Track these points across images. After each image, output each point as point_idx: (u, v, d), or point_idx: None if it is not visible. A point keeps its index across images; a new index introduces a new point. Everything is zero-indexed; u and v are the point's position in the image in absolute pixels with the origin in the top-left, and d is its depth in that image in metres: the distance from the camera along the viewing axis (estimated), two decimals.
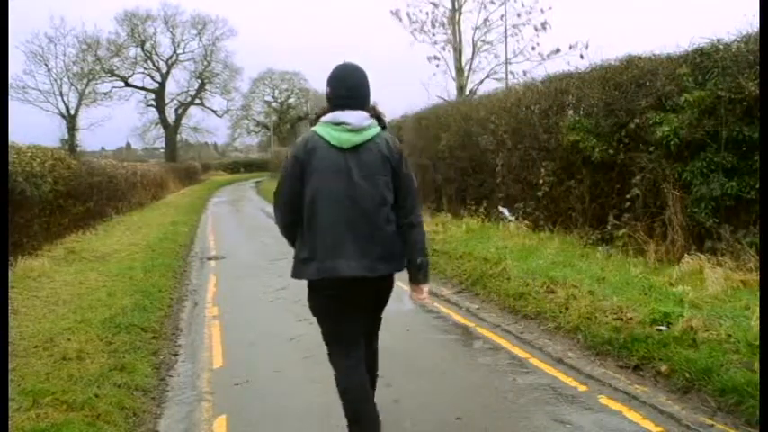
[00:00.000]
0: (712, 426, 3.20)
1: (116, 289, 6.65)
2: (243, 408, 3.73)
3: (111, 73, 43.25)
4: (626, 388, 3.73)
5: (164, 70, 46.59)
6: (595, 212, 7.68)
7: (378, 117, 2.84)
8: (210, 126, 67.84)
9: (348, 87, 2.82)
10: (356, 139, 2.74)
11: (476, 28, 20.29)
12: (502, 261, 6.81)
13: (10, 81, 32.02)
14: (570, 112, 8.44)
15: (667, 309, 4.56)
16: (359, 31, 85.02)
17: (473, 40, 20.39)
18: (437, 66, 20.00)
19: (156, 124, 48.11)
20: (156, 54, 45.82)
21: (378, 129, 2.82)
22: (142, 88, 46.09)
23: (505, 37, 19.13)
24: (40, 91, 38.87)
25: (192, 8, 72.62)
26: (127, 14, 43.45)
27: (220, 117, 51.37)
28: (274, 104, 56.60)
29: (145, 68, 45.88)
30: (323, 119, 2.81)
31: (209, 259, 9.69)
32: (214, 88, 49.32)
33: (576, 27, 41.37)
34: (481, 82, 20.69)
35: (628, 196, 6.93)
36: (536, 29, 18.83)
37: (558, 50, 18.20)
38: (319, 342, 2.98)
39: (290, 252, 2.92)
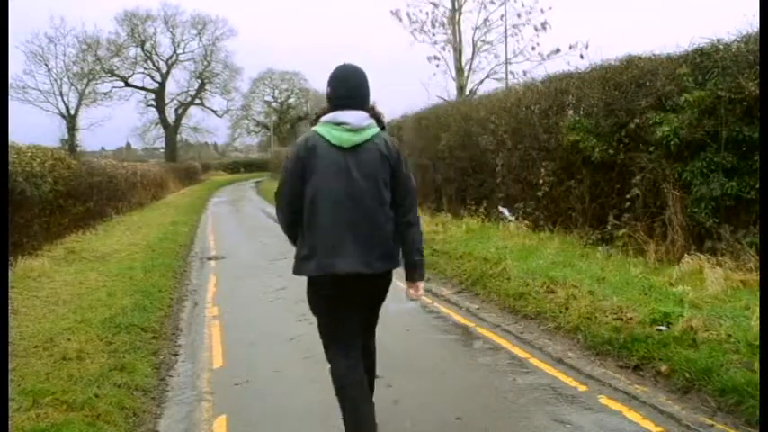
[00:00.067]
0: (712, 426, 3.20)
1: (116, 289, 6.65)
2: (243, 408, 3.73)
3: (111, 73, 43.26)
4: (626, 388, 3.73)
5: (164, 70, 46.64)
6: (595, 212, 7.68)
7: (377, 117, 2.89)
8: (210, 126, 68.00)
9: (348, 88, 2.87)
10: (356, 138, 2.78)
11: (476, 28, 20.33)
12: (502, 261, 6.81)
13: (10, 81, 32.05)
14: (570, 112, 8.44)
15: (667, 309, 4.56)
16: (359, 31, 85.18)
17: (473, 40, 20.43)
18: (437, 66, 20.05)
19: (156, 124, 48.13)
20: (156, 54, 45.88)
21: (377, 129, 2.86)
22: (142, 88, 46.13)
23: (505, 37, 19.17)
24: (40, 91, 38.94)
25: (192, 8, 72.79)
26: (127, 14, 43.53)
27: (220, 117, 51.48)
28: (274, 104, 56.62)
29: (145, 68, 45.96)
30: (323, 118, 2.85)
31: (209, 259, 9.70)
32: (214, 88, 49.41)
33: (576, 27, 41.41)
34: (481, 82, 20.73)
35: (628, 196, 6.94)
36: (536, 29, 18.87)
37: (558, 50, 18.23)
38: (320, 342, 2.98)
39: (290, 252, 2.94)
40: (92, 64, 41.12)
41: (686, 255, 5.92)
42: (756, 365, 3.39)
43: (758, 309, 3.96)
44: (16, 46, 39.15)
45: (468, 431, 3.29)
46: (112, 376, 4.01)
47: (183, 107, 48.63)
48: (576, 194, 7.95)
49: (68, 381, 3.84)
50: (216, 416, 3.61)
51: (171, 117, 48.10)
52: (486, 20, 20.02)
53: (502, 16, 19.22)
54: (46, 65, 39.27)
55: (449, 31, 20.01)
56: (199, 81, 48.30)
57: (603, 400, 3.58)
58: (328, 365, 2.95)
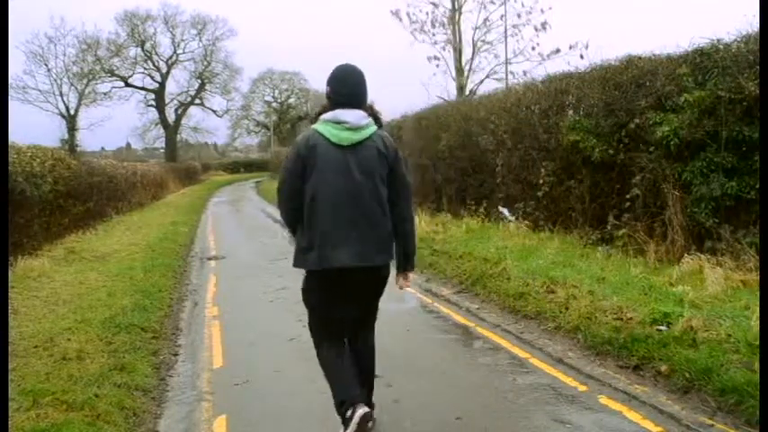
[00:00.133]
0: (712, 426, 3.20)
1: (116, 289, 6.65)
2: (243, 408, 3.73)
3: (111, 73, 43.26)
4: (626, 388, 3.73)
5: (164, 70, 46.64)
6: (595, 212, 7.67)
7: (374, 116, 2.98)
8: (210, 126, 67.93)
9: (348, 87, 2.96)
10: (355, 137, 2.88)
11: (476, 28, 20.34)
12: (502, 261, 6.81)
13: (10, 81, 32.05)
14: (570, 112, 8.44)
15: (667, 309, 4.56)
16: (359, 31, 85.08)
17: (473, 40, 20.44)
18: (437, 66, 20.06)
19: (156, 124, 48.12)
20: (156, 54, 45.89)
21: (374, 127, 2.95)
22: (142, 88, 46.13)
23: (505, 37, 19.17)
24: (40, 91, 38.97)
25: (192, 8, 72.77)
26: (127, 14, 43.53)
27: (220, 117, 51.47)
28: (274, 104, 56.61)
29: (145, 68, 45.96)
30: (323, 117, 2.95)
31: (209, 259, 9.69)
32: (214, 88, 49.41)
33: (576, 27, 41.40)
34: (481, 82, 20.74)
35: (628, 196, 6.93)
36: (536, 29, 18.89)
37: (558, 50, 18.25)
38: None
39: (289, 252, 3.01)
40: (92, 64, 41.17)
41: (686, 255, 5.92)
42: (756, 365, 3.39)
43: (758, 309, 3.96)
44: (16, 46, 39.24)
45: (468, 431, 3.29)
46: (112, 376, 4.01)
47: (183, 107, 48.64)
48: (576, 194, 7.95)
49: (68, 381, 3.84)
50: (216, 416, 3.61)
51: (171, 117, 48.14)
52: (486, 20, 20.06)
53: (502, 16, 19.26)
54: (46, 65, 39.36)
55: (449, 31, 20.03)
56: (199, 81, 48.32)
57: (603, 400, 3.58)
58: None
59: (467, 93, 19.79)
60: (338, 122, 2.88)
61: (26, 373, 3.94)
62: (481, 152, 10.54)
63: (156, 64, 46.20)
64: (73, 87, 40.38)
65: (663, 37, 49.26)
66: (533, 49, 18.98)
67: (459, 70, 20.23)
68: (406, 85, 62.02)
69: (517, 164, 9.45)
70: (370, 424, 3.16)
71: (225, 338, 5.22)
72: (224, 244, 11.52)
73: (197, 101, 48.96)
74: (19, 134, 34.69)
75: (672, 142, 6.27)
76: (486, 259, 7.13)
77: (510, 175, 9.68)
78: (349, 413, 2.84)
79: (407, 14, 19.96)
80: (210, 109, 49.92)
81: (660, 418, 3.31)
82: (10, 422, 3.09)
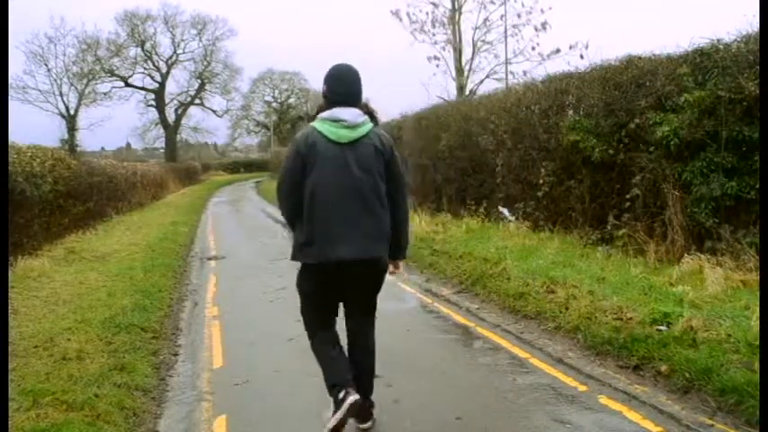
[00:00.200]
0: (712, 426, 3.20)
1: (116, 289, 6.65)
2: (243, 408, 3.73)
3: (111, 73, 43.27)
4: (626, 388, 3.73)
5: (164, 70, 46.66)
6: (595, 212, 7.67)
7: (370, 113, 3.06)
8: (210, 126, 67.92)
9: (344, 86, 3.04)
10: (353, 134, 2.95)
11: (476, 28, 20.34)
12: (502, 261, 6.81)
13: (10, 81, 32.05)
14: (570, 112, 8.44)
15: (667, 309, 4.56)
16: (359, 31, 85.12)
17: (473, 40, 20.44)
18: (437, 66, 20.05)
19: (156, 124, 48.13)
20: (156, 54, 45.90)
21: (371, 125, 3.03)
22: (142, 88, 46.14)
23: (505, 37, 19.17)
24: (39, 91, 38.97)
25: (192, 8, 72.74)
26: (127, 14, 43.54)
27: (220, 117, 51.49)
28: (274, 104, 56.63)
29: (145, 68, 45.97)
30: (321, 115, 3.02)
31: (209, 259, 9.69)
32: (214, 88, 49.42)
33: (576, 27, 41.42)
34: (481, 82, 20.74)
35: (628, 196, 6.94)
36: (536, 29, 18.88)
37: (558, 50, 18.24)
38: None
39: (289, 252, 3.04)
40: (92, 64, 41.17)
41: (686, 255, 5.92)
42: (756, 365, 3.39)
43: (758, 309, 3.96)
44: (16, 46, 39.23)
45: (468, 431, 3.29)
46: (112, 376, 4.01)
47: (183, 107, 48.64)
48: (576, 194, 7.95)
49: (68, 381, 3.84)
50: (216, 416, 3.61)
51: (171, 117, 48.14)
52: (486, 20, 20.06)
53: (502, 16, 19.26)
54: (46, 65, 39.36)
55: (449, 31, 20.03)
56: (199, 81, 48.33)
57: (603, 400, 3.58)
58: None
59: (467, 93, 19.78)
60: (336, 120, 2.95)
61: (26, 373, 3.94)
62: (481, 152, 10.54)
63: (156, 64, 46.28)
64: (73, 87, 40.46)
65: (663, 37, 49.30)
66: (533, 49, 19.01)
67: (460, 70, 20.22)
68: (406, 85, 62.15)
69: (517, 164, 9.45)
70: (370, 424, 3.18)
71: (225, 338, 5.21)
72: (224, 244, 11.52)
73: (197, 101, 49.00)
74: (19, 134, 34.69)
75: (672, 142, 6.27)
76: (486, 259, 7.13)
77: (510, 175, 9.68)
78: (341, 395, 2.90)
79: (407, 14, 19.99)
80: (210, 109, 50.03)
81: (660, 418, 3.31)
82: (10, 422, 3.09)
